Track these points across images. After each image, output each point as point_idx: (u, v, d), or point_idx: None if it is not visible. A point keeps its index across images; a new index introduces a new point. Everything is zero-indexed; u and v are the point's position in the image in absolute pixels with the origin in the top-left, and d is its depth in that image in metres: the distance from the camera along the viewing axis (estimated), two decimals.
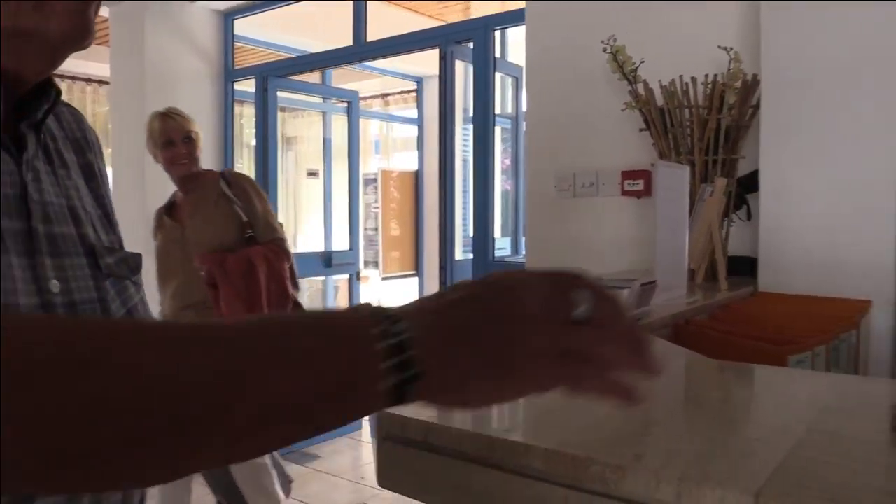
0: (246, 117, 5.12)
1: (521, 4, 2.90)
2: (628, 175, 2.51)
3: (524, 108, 3.07)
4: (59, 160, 0.68)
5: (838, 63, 1.97)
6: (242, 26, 4.56)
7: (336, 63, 4.41)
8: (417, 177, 6.30)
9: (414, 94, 6.37)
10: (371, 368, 0.37)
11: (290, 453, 3.68)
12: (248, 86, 4.53)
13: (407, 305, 0.41)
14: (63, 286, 0.61)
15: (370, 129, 7.49)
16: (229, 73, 4.51)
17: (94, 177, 0.73)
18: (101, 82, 5.91)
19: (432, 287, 5.48)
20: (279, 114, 4.50)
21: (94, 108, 6.10)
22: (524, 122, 3.15)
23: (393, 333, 0.38)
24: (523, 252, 3.42)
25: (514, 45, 3.90)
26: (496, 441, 0.68)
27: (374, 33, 4.06)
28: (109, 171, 3.52)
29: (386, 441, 0.76)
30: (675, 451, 0.67)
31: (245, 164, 4.95)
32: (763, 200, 2.08)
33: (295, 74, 4.50)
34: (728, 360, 1.09)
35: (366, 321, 0.38)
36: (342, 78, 5.52)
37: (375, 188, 6.71)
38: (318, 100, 4.98)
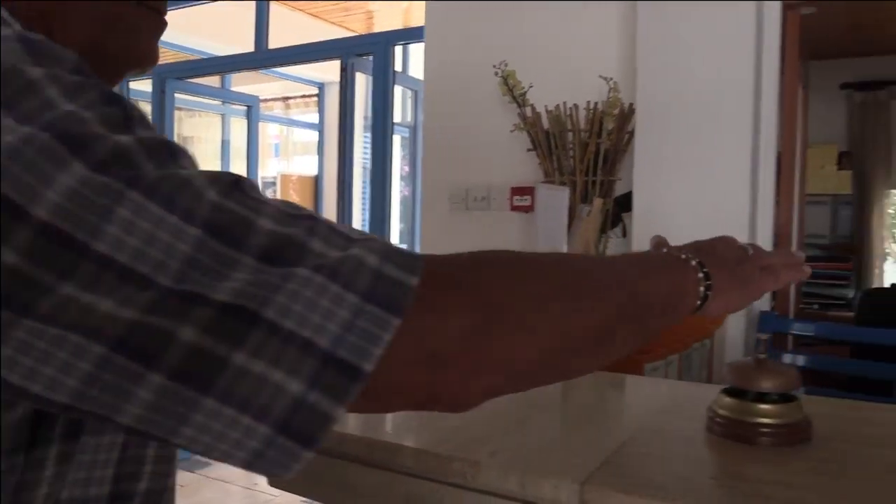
0: None
1: (422, 22, 3.01)
2: (517, 191, 2.66)
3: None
4: None
5: (702, 96, 2.22)
6: None
7: (236, 68, 4.38)
8: (317, 181, 6.30)
9: (315, 99, 6.37)
10: (696, 281, 0.58)
11: (182, 461, 3.63)
12: (144, 85, 4.42)
13: (682, 247, 0.61)
14: None
15: (270, 131, 7.41)
16: None
17: None
18: None
19: None
20: (176, 112, 4.42)
21: None
22: (421, 135, 3.26)
23: (698, 261, 0.58)
24: None
25: (417, 60, 4.01)
26: (374, 442, 0.78)
27: (275, 36, 4.06)
28: None
29: None
30: (523, 449, 0.79)
31: None
32: (636, 218, 2.29)
33: (194, 77, 4.44)
34: None
35: (680, 255, 0.59)
36: (242, 80, 5.46)
37: (274, 192, 6.66)
38: (218, 102, 4.92)
